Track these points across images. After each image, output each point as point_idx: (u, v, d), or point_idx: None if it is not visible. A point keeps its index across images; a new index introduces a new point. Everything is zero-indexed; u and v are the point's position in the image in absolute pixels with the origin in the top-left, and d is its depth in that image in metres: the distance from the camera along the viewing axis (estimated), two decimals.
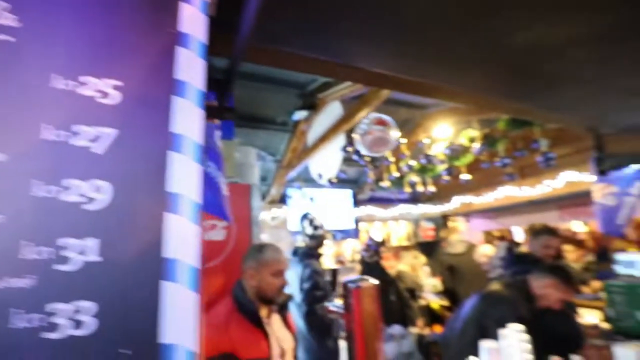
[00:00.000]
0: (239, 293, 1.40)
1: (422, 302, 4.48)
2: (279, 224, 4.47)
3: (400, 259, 4.32)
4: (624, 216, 3.17)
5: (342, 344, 2.35)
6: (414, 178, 4.10)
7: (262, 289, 1.37)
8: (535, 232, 2.45)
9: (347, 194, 5.21)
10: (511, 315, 1.92)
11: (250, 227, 2.00)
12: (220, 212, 1.24)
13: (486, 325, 1.97)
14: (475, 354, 1.66)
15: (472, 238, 6.34)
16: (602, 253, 4.28)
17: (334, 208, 5.09)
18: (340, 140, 2.92)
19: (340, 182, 5.15)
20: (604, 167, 1.52)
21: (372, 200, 5.73)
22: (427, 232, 5.48)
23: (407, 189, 4.37)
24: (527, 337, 1.38)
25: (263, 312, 1.40)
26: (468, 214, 5.70)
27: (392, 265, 4.40)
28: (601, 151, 1.53)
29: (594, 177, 3.40)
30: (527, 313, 1.97)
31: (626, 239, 4.34)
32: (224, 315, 1.36)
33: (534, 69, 0.82)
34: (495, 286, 2.10)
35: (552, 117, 1.72)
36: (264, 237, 4.58)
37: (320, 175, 3.19)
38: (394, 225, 6.00)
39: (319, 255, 2.61)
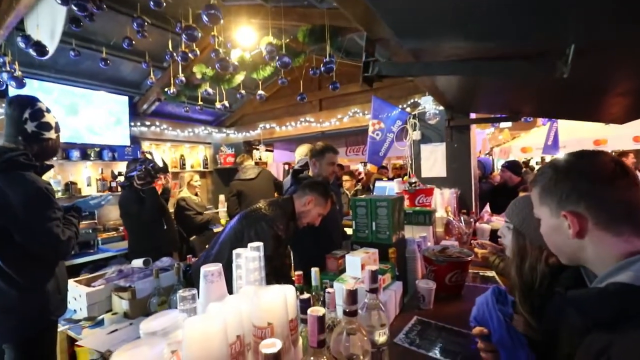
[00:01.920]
0: None
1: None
2: None
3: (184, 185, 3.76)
4: (384, 150, 3.72)
5: None
6: (209, 89, 3.43)
7: None
8: (319, 151, 2.37)
9: (120, 100, 3.94)
10: (268, 234, 1.74)
11: None
12: None
13: (241, 245, 1.73)
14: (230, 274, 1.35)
15: (278, 168, 6.47)
16: (369, 185, 5.16)
17: (101, 116, 3.78)
18: None
19: (112, 82, 3.84)
20: (370, 73, 1.32)
21: (163, 116, 4.70)
22: (227, 158, 5.08)
23: (201, 102, 3.67)
24: (257, 255, 1.12)
25: None
26: (271, 142, 5.66)
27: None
28: (370, 56, 1.32)
29: (370, 116, 3.82)
30: (285, 231, 1.85)
31: (383, 173, 5.38)
32: None
33: None
34: (259, 204, 1.86)
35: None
36: None
37: (27, 41, 1.93)
38: (189, 150, 5.25)
39: (42, 168, 1.58)
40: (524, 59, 1.24)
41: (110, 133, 3.86)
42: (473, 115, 3.31)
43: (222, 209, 4.65)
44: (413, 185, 2.52)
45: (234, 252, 1.16)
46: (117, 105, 3.90)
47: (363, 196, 1.90)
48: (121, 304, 2.08)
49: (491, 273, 2.02)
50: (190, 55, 2.60)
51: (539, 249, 1.01)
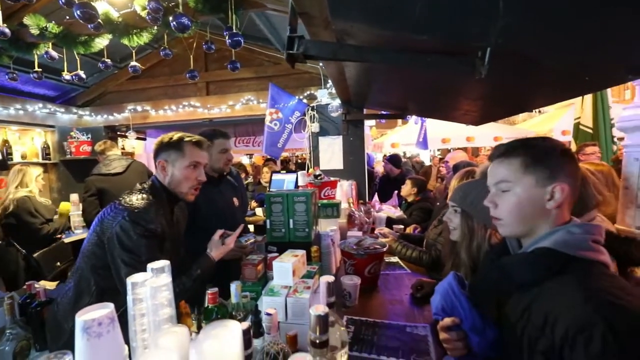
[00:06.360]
0: None
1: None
2: None
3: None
4: (282, 141, 3.57)
5: None
6: (52, 52, 2.53)
7: None
8: (209, 135, 2.00)
9: None
10: (135, 234, 1.25)
11: None
12: None
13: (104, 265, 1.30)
14: None
15: (150, 160, 5.48)
16: (258, 181, 4.90)
17: None
18: None
19: None
20: (295, 51, 1.13)
21: None
22: (82, 147, 3.97)
23: (39, 69, 2.69)
24: (165, 283, 0.81)
25: None
26: (143, 129, 4.73)
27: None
28: (294, 31, 1.13)
29: (267, 105, 3.60)
30: (162, 221, 1.44)
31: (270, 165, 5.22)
32: None
33: None
34: (118, 199, 1.38)
35: None
36: None
37: None
38: (17, 135, 3.87)
39: None
40: (450, 55, 1.26)
41: None
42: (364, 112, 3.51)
43: (76, 212, 3.61)
44: (319, 177, 2.46)
45: (129, 280, 0.80)
46: None
47: (277, 192, 1.71)
48: None
49: (394, 259, 2.15)
50: None
51: (484, 228, 1.13)
